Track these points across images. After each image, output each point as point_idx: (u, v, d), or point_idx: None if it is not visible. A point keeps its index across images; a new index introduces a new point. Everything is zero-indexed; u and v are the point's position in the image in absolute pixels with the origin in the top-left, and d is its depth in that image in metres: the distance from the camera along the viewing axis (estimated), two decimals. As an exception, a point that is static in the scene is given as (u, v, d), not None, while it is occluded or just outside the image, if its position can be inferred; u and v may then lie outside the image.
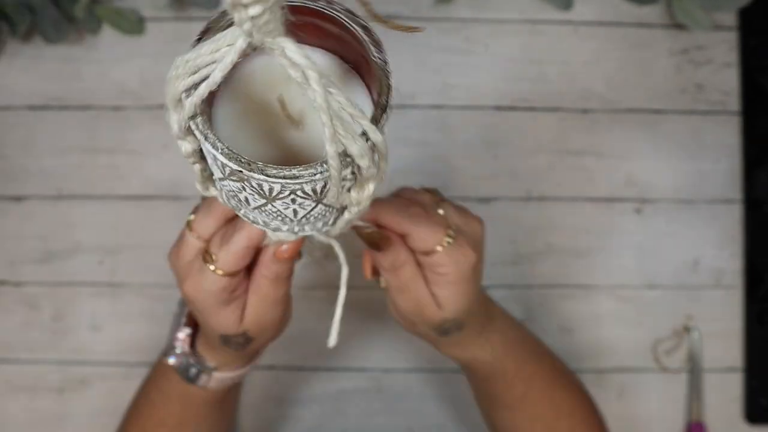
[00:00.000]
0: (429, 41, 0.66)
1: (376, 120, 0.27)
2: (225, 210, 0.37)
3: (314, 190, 0.27)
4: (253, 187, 0.27)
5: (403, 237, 0.38)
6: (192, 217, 0.38)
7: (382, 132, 0.27)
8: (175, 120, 0.27)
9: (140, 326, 0.63)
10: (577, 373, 0.64)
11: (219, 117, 0.29)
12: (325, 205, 0.29)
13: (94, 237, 0.64)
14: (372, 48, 0.28)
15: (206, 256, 0.37)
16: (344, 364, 0.63)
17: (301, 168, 0.26)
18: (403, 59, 0.65)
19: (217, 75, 0.24)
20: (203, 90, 0.25)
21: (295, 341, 0.63)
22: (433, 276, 0.39)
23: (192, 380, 0.44)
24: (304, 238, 0.37)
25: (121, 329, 0.63)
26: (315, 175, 0.26)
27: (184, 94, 0.26)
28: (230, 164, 0.26)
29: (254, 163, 0.26)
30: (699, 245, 0.64)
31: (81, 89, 0.65)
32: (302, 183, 0.26)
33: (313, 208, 0.29)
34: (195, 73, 0.25)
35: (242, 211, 0.31)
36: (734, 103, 0.65)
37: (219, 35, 0.24)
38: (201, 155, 0.30)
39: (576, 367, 0.63)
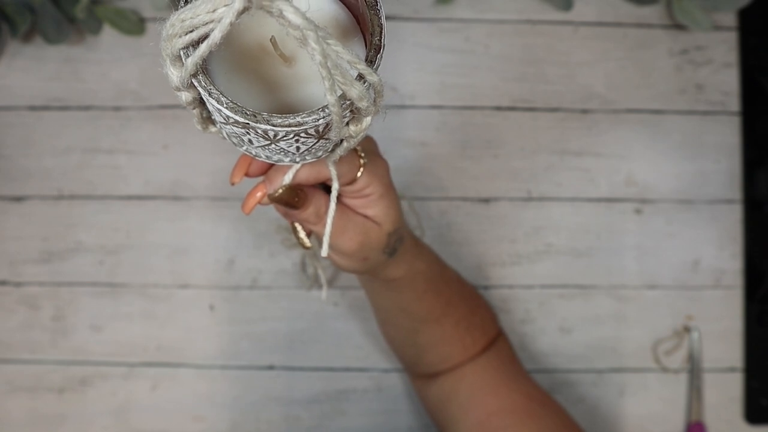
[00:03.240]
0: (429, 41, 0.66)
1: (370, 61, 0.28)
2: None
3: (317, 130, 0.28)
4: (257, 132, 0.28)
5: (323, 183, 0.39)
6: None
7: (377, 72, 0.28)
8: (176, 76, 0.27)
9: (140, 326, 0.63)
10: (576, 373, 0.64)
11: (214, 63, 0.30)
12: (326, 139, 0.30)
13: (94, 237, 0.64)
14: None
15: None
16: (344, 364, 0.63)
17: (304, 114, 0.27)
18: (403, 59, 0.65)
19: (216, 35, 0.24)
20: (204, 50, 0.25)
21: (295, 341, 0.63)
22: (361, 201, 0.40)
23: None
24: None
25: (121, 329, 0.63)
26: (318, 120, 0.27)
27: (182, 52, 0.27)
28: (236, 117, 0.27)
29: (259, 114, 0.27)
30: (699, 245, 0.64)
31: (81, 89, 0.65)
32: (306, 128, 0.27)
33: (315, 144, 0.30)
34: (191, 31, 0.26)
35: (244, 148, 0.32)
36: (734, 103, 0.65)
37: None
38: (200, 101, 0.30)
39: (576, 367, 0.63)
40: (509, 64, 0.65)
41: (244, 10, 0.23)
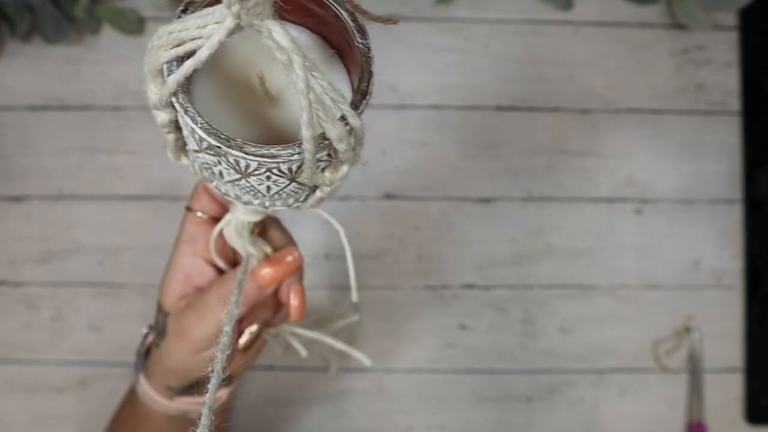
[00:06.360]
0: (429, 41, 0.66)
1: (355, 105, 0.27)
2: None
3: (290, 169, 0.27)
4: (229, 162, 0.27)
5: None
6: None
7: (360, 118, 0.27)
8: (155, 91, 0.27)
9: (140, 326, 0.63)
10: (576, 373, 0.64)
11: (197, 89, 0.29)
12: (299, 183, 0.29)
13: (94, 237, 0.64)
14: (356, 33, 0.28)
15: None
16: (344, 364, 0.63)
17: (279, 147, 0.26)
18: (403, 59, 0.65)
19: (203, 53, 0.24)
20: (188, 67, 0.24)
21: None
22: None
23: (134, 372, 0.44)
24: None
25: (121, 329, 0.63)
26: (292, 155, 0.26)
27: (165, 65, 0.26)
28: (209, 139, 0.26)
29: (233, 139, 0.26)
30: (699, 245, 0.64)
31: (81, 89, 0.65)
32: (279, 162, 0.26)
33: (287, 186, 0.29)
34: (178, 45, 0.25)
35: (214, 183, 0.31)
36: (734, 103, 0.65)
37: (206, 11, 0.24)
38: (176, 126, 0.30)
39: (576, 367, 0.63)
40: (509, 64, 0.65)
41: (235, 28, 0.23)
